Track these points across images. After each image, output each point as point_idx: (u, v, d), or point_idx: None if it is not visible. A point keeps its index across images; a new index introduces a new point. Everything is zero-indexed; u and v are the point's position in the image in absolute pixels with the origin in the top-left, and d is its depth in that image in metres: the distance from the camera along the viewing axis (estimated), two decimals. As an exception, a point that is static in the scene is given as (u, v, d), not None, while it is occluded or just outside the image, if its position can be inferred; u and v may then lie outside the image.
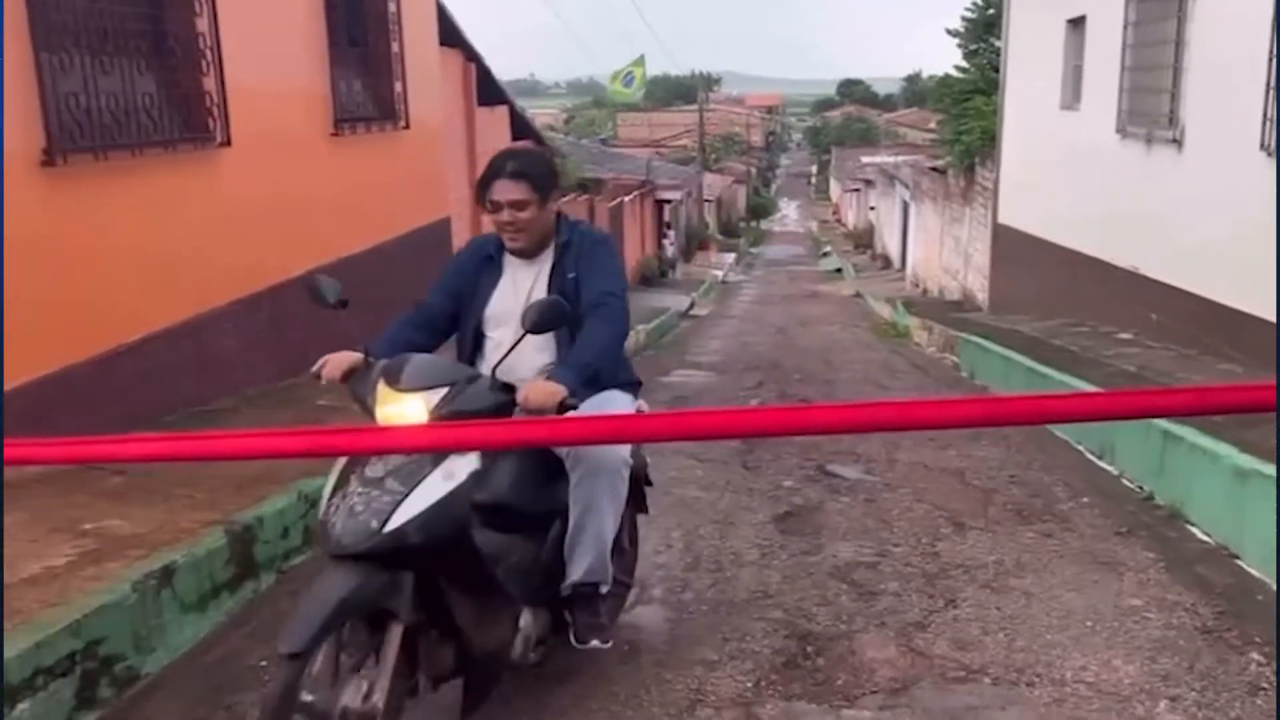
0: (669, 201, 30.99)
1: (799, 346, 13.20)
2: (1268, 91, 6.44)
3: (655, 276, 26.65)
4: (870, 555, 4.20)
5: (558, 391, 2.61)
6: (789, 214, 64.96)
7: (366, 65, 8.25)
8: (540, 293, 3.00)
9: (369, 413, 2.57)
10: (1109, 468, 5.48)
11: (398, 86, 8.57)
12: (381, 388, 2.56)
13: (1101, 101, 9.74)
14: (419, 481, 2.43)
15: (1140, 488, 5.07)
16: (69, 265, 4.78)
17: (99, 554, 3.37)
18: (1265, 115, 6.48)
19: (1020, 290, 12.80)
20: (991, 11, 18.28)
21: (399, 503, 2.40)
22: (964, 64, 19.41)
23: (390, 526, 2.38)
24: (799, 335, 14.99)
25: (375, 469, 2.47)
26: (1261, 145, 6.52)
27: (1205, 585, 3.79)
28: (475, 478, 2.52)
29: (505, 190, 2.96)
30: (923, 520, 4.66)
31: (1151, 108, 8.55)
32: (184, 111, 5.68)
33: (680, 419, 1.73)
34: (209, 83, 5.78)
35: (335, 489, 2.49)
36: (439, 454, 2.47)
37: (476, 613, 2.61)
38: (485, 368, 2.85)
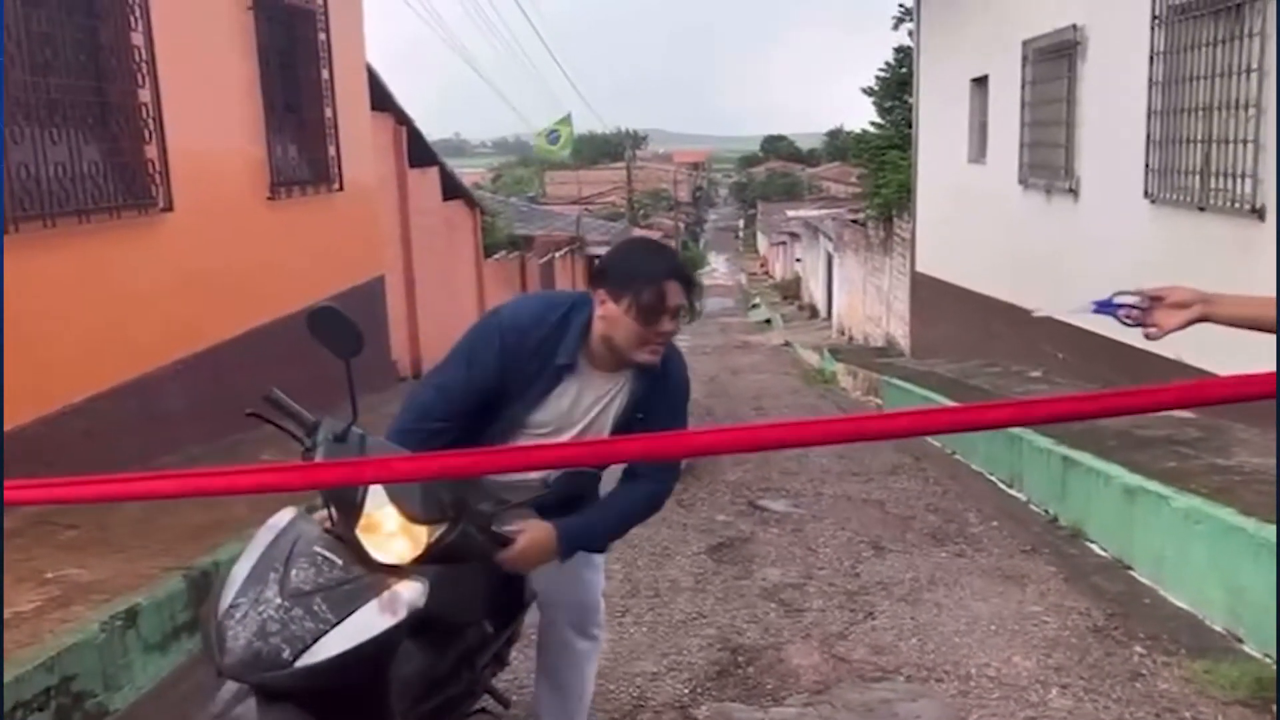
0: (599, 257, 31.41)
1: (730, 394, 13.56)
2: (1148, 144, 7.00)
3: (588, 331, 26.89)
4: (796, 578, 4.50)
5: (551, 556, 2.40)
6: (718, 267, 65.91)
7: (301, 131, 8.51)
8: (606, 418, 2.58)
9: (342, 513, 2.12)
10: (1018, 494, 5.86)
11: (331, 150, 8.82)
12: (385, 506, 2.13)
13: (1005, 155, 10.34)
14: (352, 611, 2.01)
15: (1046, 511, 5.45)
16: (19, 329, 4.92)
17: (64, 599, 3.52)
18: (1147, 165, 7.03)
19: (939, 335, 13.34)
20: (904, 70, 19.12)
21: (323, 634, 1.96)
22: (879, 120, 20.24)
23: (304, 662, 1.94)
24: (730, 383, 15.37)
25: (302, 577, 2.03)
26: (1145, 193, 7.06)
27: (1099, 592, 4.15)
28: (415, 615, 2.10)
29: (678, 295, 2.44)
30: (846, 546, 4.97)
31: (1049, 160, 9.13)
32: (128, 178, 5.87)
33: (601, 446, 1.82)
34: (151, 151, 5.98)
35: (246, 584, 2.04)
36: (378, 573, 2.08)
37: None
38: None
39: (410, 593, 2.08)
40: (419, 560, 2.13)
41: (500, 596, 2.64)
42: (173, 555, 4.05)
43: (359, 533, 2.10)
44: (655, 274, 2.41)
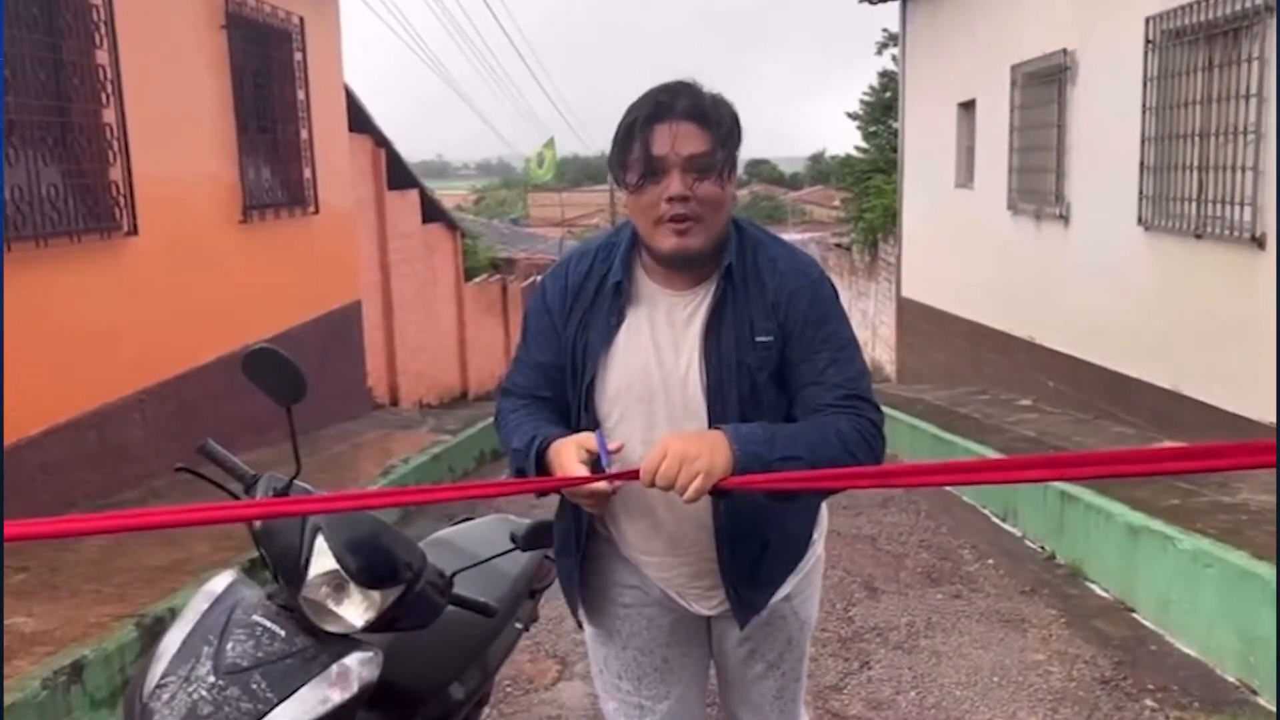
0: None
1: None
2: (1142, 170, 6.87)
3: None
4: (786, 623, 4.28)
5: (698, 469, 1.63)
6: (701, 291, 65.88)
7: (276, 152, 8.30)
8: (694, 350, 1.85)
9: (284, 577, 1.88)
10: (1013, 530, 5.67)
11: (307, 173, 8.62)
12: (331, 567, 1.85)
13: (993, 180, 10.22)
14: (296, 689, 1.79)
15: (1042, 548, 5.26)
16: (-30, 358, 4.70)
17: (6, 652, 3.28)
18: (1140, 192, 6.89)
19: (926, 361, 13.19)
20: (889, 95, 19.11)
21: (263, 716, 1.74)
22: (864, 145, 20.20)
23: None
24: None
25: (239, 650, 1.79)
26: (1139, 220, 6.92)
27: (1103, 638, 3.95)
28: (368, 688, 1.88)
29: (680, 139, 1.73)
30: (837, 587, 4.76)
31: (1039, 186, 9.00)
32: (90, 202, 5.65)
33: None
34: (115, 173, 5.76)
35: (176, 659, 1.80)
36: (326, 644, 1.85)
37: None
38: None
39: (362, 665, 1.87)
40: (372, 627, 1.91)
41: (466, 658, 2.40)
42: (126, 601, 3.82)
43: (303, 599, 1.86)
44: (638, 119, 1.74)
